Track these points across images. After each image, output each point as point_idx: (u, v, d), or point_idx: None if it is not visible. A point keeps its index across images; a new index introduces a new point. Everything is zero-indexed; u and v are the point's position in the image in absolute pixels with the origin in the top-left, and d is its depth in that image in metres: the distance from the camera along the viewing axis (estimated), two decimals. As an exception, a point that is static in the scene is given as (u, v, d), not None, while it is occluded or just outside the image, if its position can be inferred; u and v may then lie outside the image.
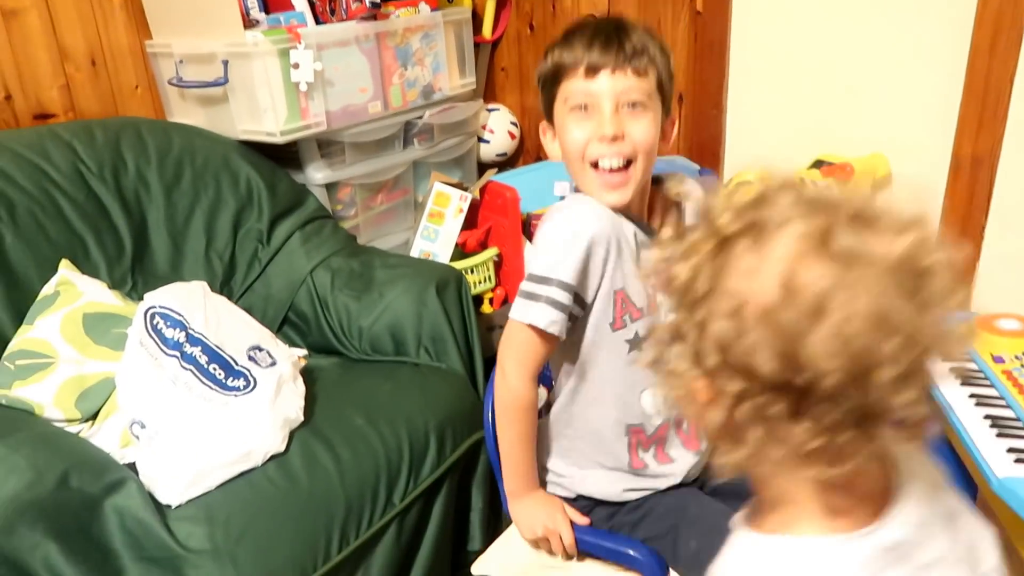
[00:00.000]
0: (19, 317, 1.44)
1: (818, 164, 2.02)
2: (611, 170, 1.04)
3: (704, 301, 0.53)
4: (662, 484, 1.16)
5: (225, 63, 1.78)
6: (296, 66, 1.78)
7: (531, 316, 1.05)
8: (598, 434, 1.14)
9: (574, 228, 1.04)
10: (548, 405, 1.21)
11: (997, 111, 1.82)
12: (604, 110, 1.03)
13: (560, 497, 1.18)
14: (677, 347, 0.56)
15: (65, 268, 1.53)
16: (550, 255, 1.05)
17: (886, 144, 2.01)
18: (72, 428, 1.35)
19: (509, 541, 1.22)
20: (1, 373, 1.35)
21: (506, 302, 2.19)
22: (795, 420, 0.51)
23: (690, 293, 0.54)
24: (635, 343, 1.11)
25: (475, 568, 1.25)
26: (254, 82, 1.77)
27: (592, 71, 1.04)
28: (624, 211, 1.08)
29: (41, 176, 1.58)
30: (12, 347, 1.39)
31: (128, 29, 1.90)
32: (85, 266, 1.57)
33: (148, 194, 1.72)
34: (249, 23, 1.82)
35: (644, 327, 1.09)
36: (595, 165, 1.05)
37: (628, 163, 1.05)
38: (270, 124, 1.80)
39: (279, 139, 1.80)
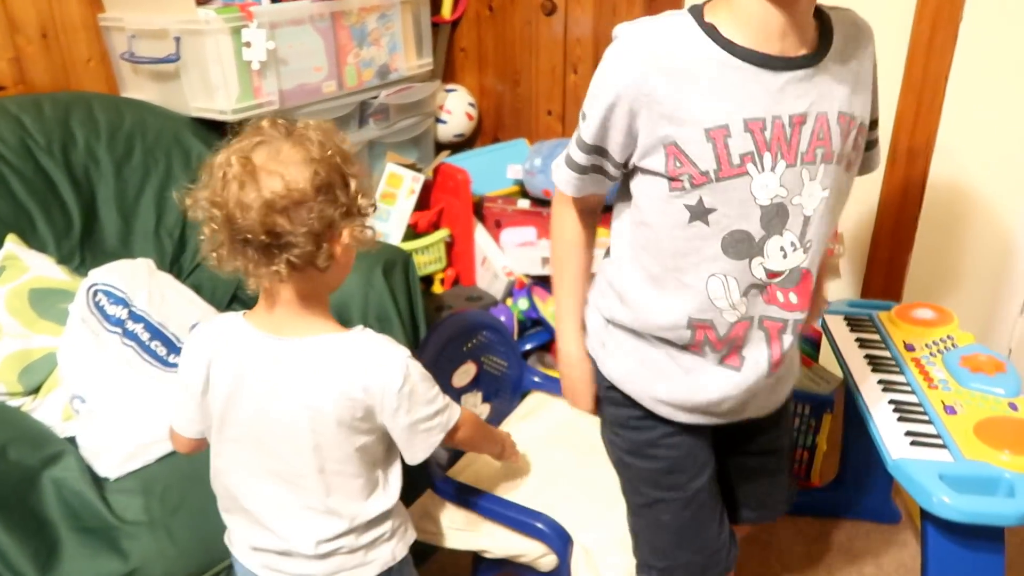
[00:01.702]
0: (-36, 291, 1.46)
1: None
2: None
3: None
4: (713, 409, 1.03)
5: (177, 39, 1.78)
6: (248, 44, 1.79)
7: (555, 172, 1.05)
8: (648, 321, 0.99)
9: (601, 78, 0.93)
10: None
11: (933, 105, 1.88)
12: None
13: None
14: None
15: (11, 242, 1.54)
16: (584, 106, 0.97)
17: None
18: (14, 402, 1.37)
19: (426, 506, 1.29)
20: (-56, 346, 1.38)
21: (456, 283, 2.23)
22: None
23: None
24: (698, 212, 0.90)
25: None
26: (206, 59, 1.78)
27: None
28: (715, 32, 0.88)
29: (-12, 150, 1.59)
30: (-44, 320, 1.41)
31: (80, 1, 1.89)
32: (32, 241, 1.59)
33: (98, 169, 1.73)
34: (202, 0, 1.82)
35: (711, 194, 0.89)
36: None
37: None
38: (222, 102, 1.81)
39: (231, 117, 1.82)
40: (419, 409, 0.97)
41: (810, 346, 1.91)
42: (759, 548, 1.70)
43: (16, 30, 1.81)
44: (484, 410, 1.41)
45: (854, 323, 1.56)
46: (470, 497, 1.25)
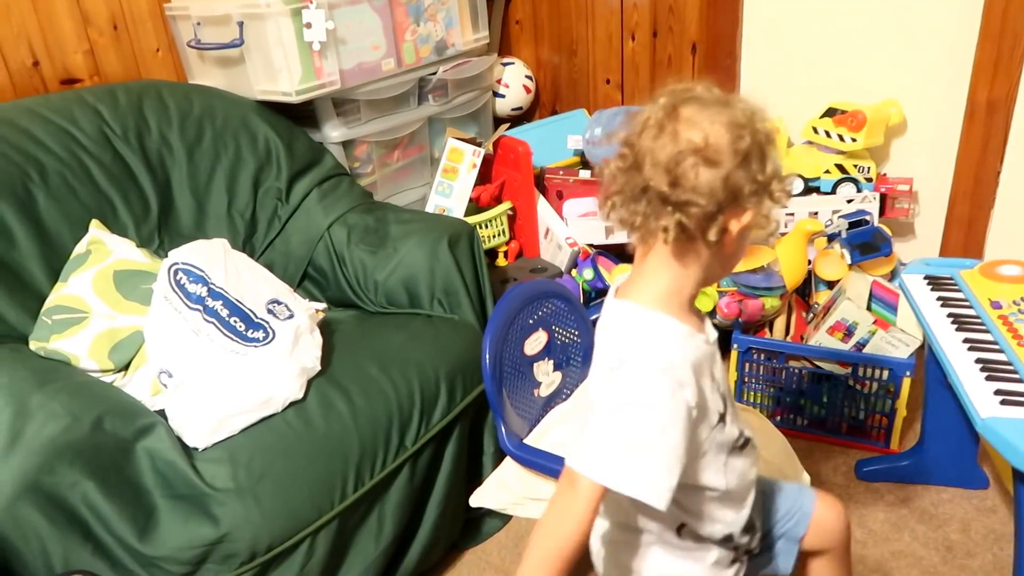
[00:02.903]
0: (54, 275, 1.53)
1: (830, 112, 2.01)
2: None
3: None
4: None
5: (240, 24, 1.82)
6: (308, 25, 1.81)
7: None
8: None
9: None
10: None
11: (1014, 55, 1.80)
12: None
13: None
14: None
15: (95, 228, 1.60)
16: None
17: (899, 90, 2.00)
18: (106, 378, 1.44)
19: (502, 475, 1.30)
20: (39, 328, 1.45)
21: (520, 255, 2.24)
22: None
23: None
24: None
25: (472, 500, 1.33)
26: (268, 42, 1.81)
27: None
28: None
29: (70, 140, 1.65)
30: (48, 303, 1.48)
31: (147, -7, 1.95)
32: (114, 226, 1.65)
33: (171, 155, 1.79)
34: (262, -16, 1.85)
35: None
36: None
37: None
38: (285, 84, 1.85)
39: (294, 98, 1.85)
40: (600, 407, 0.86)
41: (887, 308, 1.85)
42: (837, 514, 1.67)
43: (89, 23, 1.88)
44: (556, 378, 1.41)
45: (935, 282, 1.50)
46: (545, 462, 1.25)
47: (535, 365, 1.37)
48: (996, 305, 1.38)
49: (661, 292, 0.86)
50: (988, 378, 1.20)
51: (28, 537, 1.12)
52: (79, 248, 1.57)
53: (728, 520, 0.94)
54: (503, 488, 1.29)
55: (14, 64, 1.79)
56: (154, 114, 1.78)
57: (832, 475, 1.78)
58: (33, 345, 1.42)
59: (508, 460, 1.29)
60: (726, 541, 0.94)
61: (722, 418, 0.89)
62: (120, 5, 1.92)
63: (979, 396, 1.17)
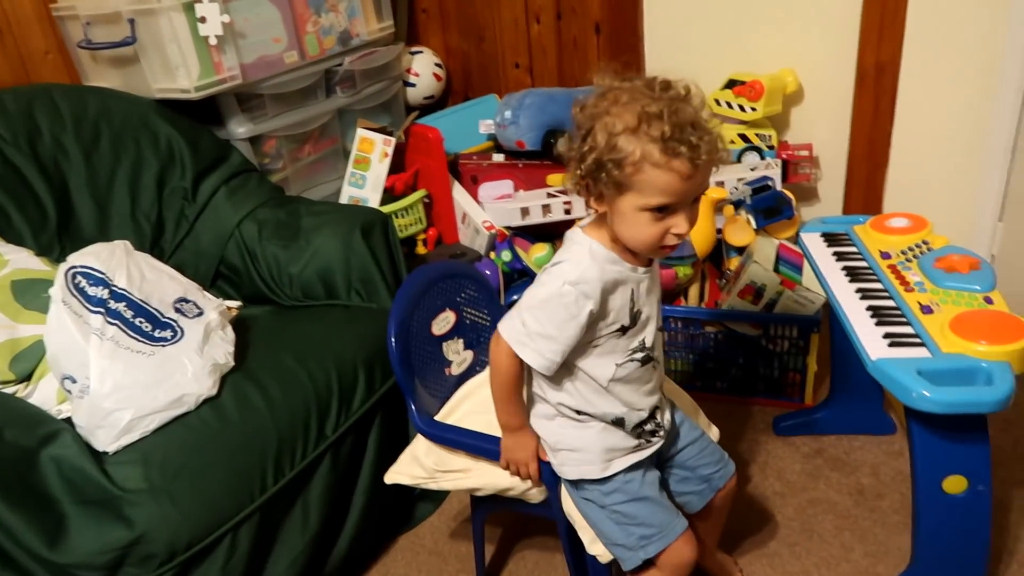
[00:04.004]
0: (-54, 288, 1.47)
1: (731, 84, 2.07)
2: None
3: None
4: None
5: (131, 21, 1.78)
6: (203, 20, 1.78)
7: None
8: None
9: None
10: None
11: (896, 18, 1.88)
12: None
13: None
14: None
15: (-12, 238, 1.55)
16: None
17: (795, 59, 2.07)
18: (8, 390, 1.39)
19: (414, 451, 1.31)
20: (-68, 343, 1.39)
21: (439, 242, 2.24)
22: None
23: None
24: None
25: (386, 478, 1.34)
26: (162, 39, 1.77)
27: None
28: None
29: (-46, 149, 1.58)
30: (-59, 317, 1.42)
31: (31, -7, 1.88)
32: (9, 234, 1.60)
33: (67, 159, 1.73)
34: (152, -21, 1.81)
35: None
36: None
37: None
38: (183, 81, 1.81)
39: (194, 95, 1.81)
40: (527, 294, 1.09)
41: (792, 269, 1.92)
42: (757, 468, 1.73)
43: (-32, 27, 1.80)
44: (467, 356, 1.42)
45: (830, 238, 1.57)
46: (454, 437, 1.27)
47: (444, 344, 1.37)
48: (885, 255, 1.44)
49: (597, 223, 1.07)
50: (878, 323, 1.26)
51: (-74, 556, 1.08)
52: (-28, 260, 1.51)
53: (617, 410, 1.14)
54: (415, 464, 1.30)
55: None
56: (46, 118, 1.72)
57: (752, 433, 1.85)
58: (-75, 361, 1.37)
59: (419, 437, 1.30)
60: (617, 423, 1.15)
61: (623, 330, 1.09)
62: (2, 8, 1.85)
63: (869, 340, 1.23)
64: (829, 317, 1.74)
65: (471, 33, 2.52)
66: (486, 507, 1.42)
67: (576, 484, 1.19)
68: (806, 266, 1.88)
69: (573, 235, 1.09)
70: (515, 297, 1.87)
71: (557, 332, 1.05)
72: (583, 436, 1.15)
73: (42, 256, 1.57)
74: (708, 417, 1.42)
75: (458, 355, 1.40)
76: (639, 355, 1.12)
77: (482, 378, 1.36)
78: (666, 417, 1.23)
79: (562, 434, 1.17)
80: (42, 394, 1.39)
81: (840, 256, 1.50)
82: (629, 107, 0.94)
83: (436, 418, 1.31)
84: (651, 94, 0.95)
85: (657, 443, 1.20)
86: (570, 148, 1.01)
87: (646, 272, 1.09)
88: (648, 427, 1.18)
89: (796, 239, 2.02)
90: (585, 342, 1.08)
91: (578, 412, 1.15)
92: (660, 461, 1.25)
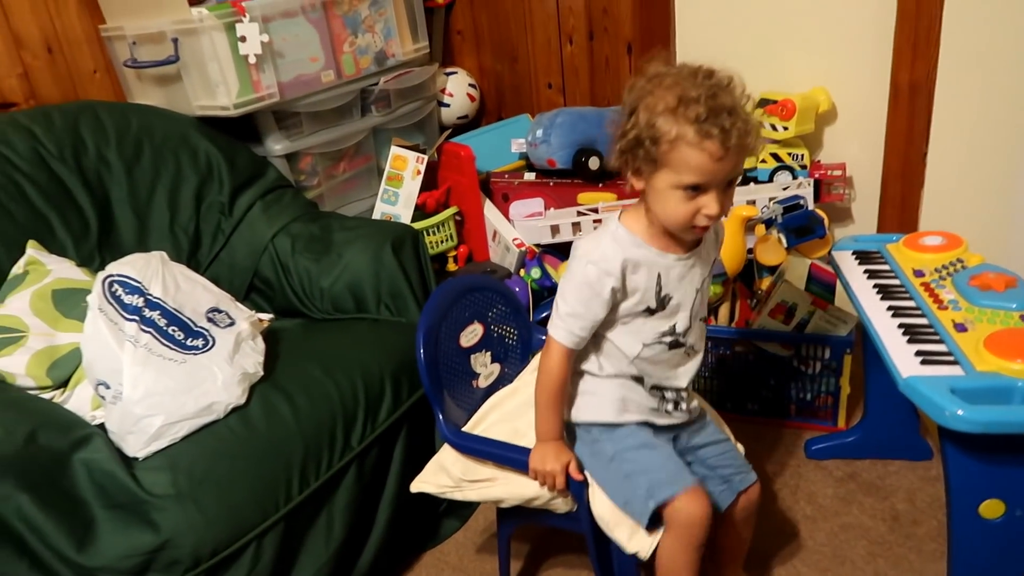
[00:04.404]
0: (-10, 297, 1.52)
1: (762, 103, 2.06)
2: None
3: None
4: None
5: (175, 41, 1.83)
6: (243, 39, 1.83)
7: None
8: None
9: None
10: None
11: (930, 36, 1.86)
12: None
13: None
14: None
15: (32, 248, 1.60)
16: None
17: (827, 78, 2.06)
18: (45, 395, 1.43)
19: (441, 460, 1.31)
20: (-25, 348, 1.43)
21: (470, 259, 2.26)
22: None
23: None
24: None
25: (412, 486, 1.34)
26: (204, 57, 1.82)
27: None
28: None
29: (2, 161, 1.65)
30: (-15, 324, 1.47)
31: (81, 14, 1.96)
32: (52, 245, 1.64)
33: (109, 173, 1.79)
34: (195, 0, 1.87)
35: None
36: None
37: None
38: (223, 98, 1.86)
39: (233, 112, 1.86)
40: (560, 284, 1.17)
41: (824, 289, 1.89)
42: (788, 492, 1.70)
43: (22, 46, 1.88)
44: (494, 370, 1.43)
45: (862, 256, 1.54)
46: (481, 447, 1.27)
47: (472, 357, 1.38)
48: (919, 273, 1.42)
49: (632, 210, 1.15)
50: (910, 340, 1.24)
51: (-40, 553, 1.11)
52: (16, 269, 1.56)
53: (638, 373, 1.21)
54: (442, 473, 1.30)
55: (-55, 90, 1.79)
56: (90, 133, 1.78)
57: (783, 455, 1.81)
58: (-33, 365, 1.41)
59: (446, 446, 1.30)
60: (636, 379, 1.21)
61: (650, 311, 1.16)
62: (54, 28, 1.92)
63: (901, 357, 1.20)
64: (863, 338, 1.71)
65: (505, 54, 2.55)
66: (512, 521, 1.41)
67: (589, 431, 1.23)
68: (839, 286, 1.85)
69: (607, 220, 1.18)
70: (544, 314, 1.87)
71: (584, 309, 1.13)
72: (602, 384, 1.22)
73: (83, 267, 1.62)
74: (737, 439, 1.40)
75: (485, 368, 1.41)
76: (668, 339, 1.19)
77: (509, 390, 1.36)
78: (693, 404, 1.28)
79: (583, 385, 1.23)
80: (78, 400, 1.42)
81: (872, 274, 1.47)
82: (672, 90, 1.01)
83: (464, 429, 1.31)
84: (694, 80, 1.02)
85: (678, 417, 1.25)
86: (616, 126, 1.09)
87: (679, 260, 1.15)
88: (668, 394, 1.23)
89: (828, 259, 2.00)
90: (612, 319, 1.16)
91: (599, 369, 1.21)
92: (682, 451, 1.27)
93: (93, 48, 2.00)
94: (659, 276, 1.14)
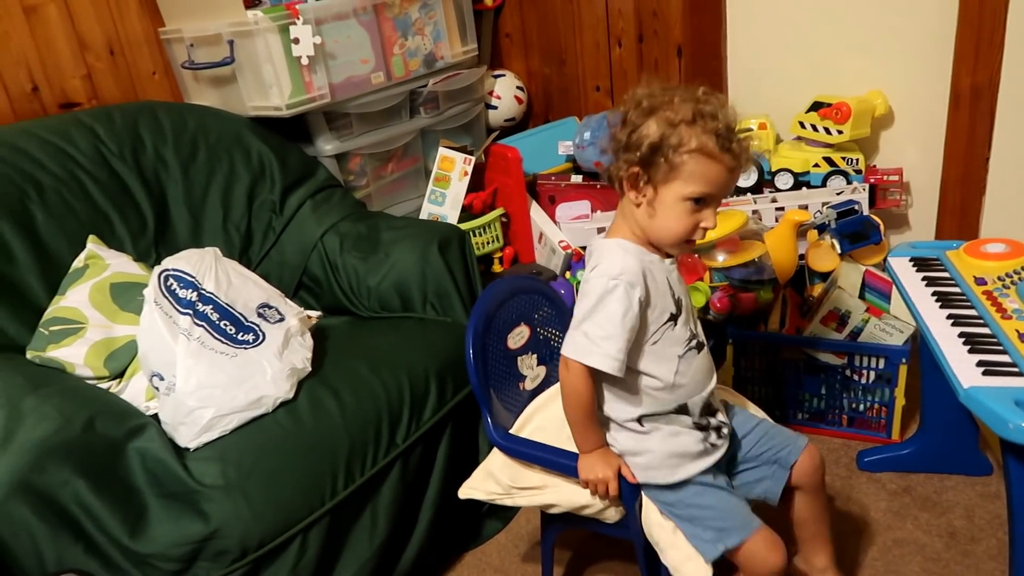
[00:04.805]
0: (52, 289, 1.56)
1: (816, 106, 2.03)
2: None
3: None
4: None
5: (230, 43, 1.87)
6: (296, 41, 1.86)
7: None
8: None
9: None
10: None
11: (993, 39, 1.81)
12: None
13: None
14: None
15: (92, 243, 1.64)
16: None
17: (884, 81, 2.01)
18: (102, 385, 1.46)
19: (490, 466, 1.30)
20: (36, 339, 1.48)
21: (515, 260, 2.26)
22: None
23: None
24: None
25: (461, 492, 1.33)
26: (258, 59, 1.86)
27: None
28: None
29: (66, 159, 1.70)
30: (47, 315, 1.52)
31: (142, 17, 2.01)
32: (111, 240, 1.69)
33: (166, 171, 1.83)
34: (251, 2, 1.90)
35: None
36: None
37: None
38: (276, 99, 1.89)
39: (285, 113, 1.89)
40: (577, 309, 1.14)
41: (879, 296, 1.84)
42: (839, 504, 1.65)
43: (86, 48, 1.94)
44: (540, 372, 1.42)
45: (920, 263, 1.50)
46: (532, 452, 1.26)
47: (519, 359, 1.38)
48: (980, 282, 1.37)
49: (616, 226, 1.16)
50: (971, 350, 1.20)
51: (20, 535, 1.14)
52: (77, 263, 1.60)
53: (682, 399, 1.18)
54: (490, 479, 1.29)
55: (14, 90, 1.85)
56: (149, 132, 1.83)
57: (834, 467, 1.77)
58: (29, 355, 1.45)
59: (495, 451, 1.29)
60: (681, 410, 1.18)
61: (673, 318, 1.15)
62: (116, 30, 1.98)
63: (962, 368, 1.16)
64: (919, 348, 1.66)
65: (553, 57, 2.55)
66: (557, 526, 1.40)
67: (647, 488, 1.20)
68: (894, 294, 1.80)
69: (596, 244, 1.17)
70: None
71: (618, 329, 1.09)
72: (647, 441, 1.18)
73: (140, 261, 1.66)
74: None
75: (532, 370, 1.40)
76: (694, 342, 1.18)
77: (553, 391, 1.35)
78: (723, 418, 1.25)
79: (629, 444, 1.20)
80: (133, 390, 1.46)
81: (931, 281, 1.43)
82: (685, 104, 1.05)
83: (511, 431, 1.31)
84: (700, 97, 1.06)
85: (722, 446, 1.22)
86: (618, 141, 1.09)
87: (672, 263, 1.17)
88: (713, 422, 1.21)
89: (884, 266, 1.95)
90: (642, 340, 1.13)
91: (641, 420, 1.18)
92: (727, 468, 1.25)
93: (152, 50, 2.05)
94: (667, 279, 1.15)
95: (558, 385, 1.40)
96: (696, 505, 1.17)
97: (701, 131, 1.04)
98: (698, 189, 1.06)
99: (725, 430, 1.23)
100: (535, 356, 1.42)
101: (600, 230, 2.12)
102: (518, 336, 1.38)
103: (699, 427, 1.19)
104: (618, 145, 1.09)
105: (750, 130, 2.03)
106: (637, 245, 1.13)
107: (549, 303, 1.45)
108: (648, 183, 1.08)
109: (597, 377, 1.15)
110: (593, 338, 1.10)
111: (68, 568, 1.15)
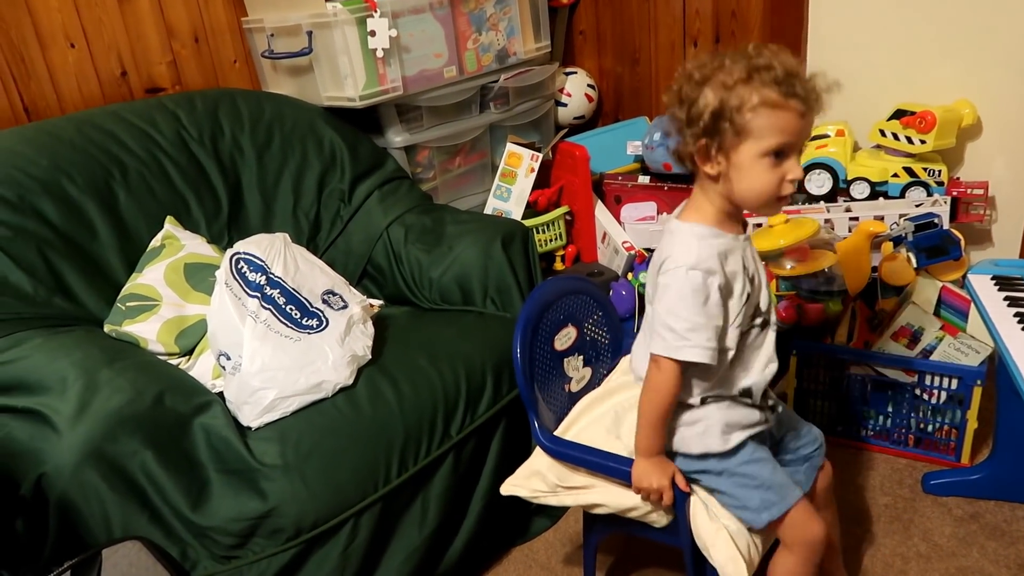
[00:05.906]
0: (130, 266, 1.63)
1: (898, 114, 1.95)
2: None
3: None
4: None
5: (309, 34, 1.92)
6: (372, 33, 1.89)
7: None
8: None
9: None
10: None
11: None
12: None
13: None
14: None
15: (170, 224, 1.71)
16: None
17: (973, 90, 1.92)
18: (172, 361, 1.52)
19: (534, 465, 1.30)
20: (114, 313, 1.54)
21: (577, 259, 2.25)
22: None
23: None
24: None
25: (503, 488, 1.33)
26: (335, 50, 1.90)
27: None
28: None
29: (150, 142, 1.76)
30: (124, 291, 1.58)
31: (226, 7, 2.08)
32: (187, 222, 1.75)
33: (242, 158, 1.89)
34: (330, -5, 1.94)
35: None
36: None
37: None
38: (350, 90, 1.93)
39: (358, 104, 1.93)
40: (658, 305, 1.10)
41: (956, 314, 1.77)
42: (901, 526, 1.60)
43: (173, 36, 2.01)
44: (586, 373, 1.41)
45: (1003, 282, 1.43)
46: (579, 454, 1.25)
47: (565, 360, 1.37)
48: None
49: (691, 207, 1.13)
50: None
51: (90, 501, 1.19)
52: (154, 242, 1.67)
53: (748, 381, 1.17)
54: (536, 477, 1.29)
55: (104, 74, 1.93)
56: (228, 119, 1.89)
57: (897, 487, 1.71)
58: (107, 328, 1.52)
59: (539, 450, 1.29)
60: (745, 393, 1.17)
61: (750, 296, 1.12)
62: (201, 19, 2.05)
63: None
64: (996, 370, 1.59)
65: (626, 56, 2.53)
66: (601, 528, 1.39)
67: (694, 460, 1.19)
68: (972, 313, 1.73)
69: (671, 226, 1.14)
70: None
71: (705, 318, 1.07)
72: (699, 412, 1.17)
73: (213, 244, 1.71)
74: (848, 466, 1.36)
75: (577, 372, 1.40)
76: (759, 320, 1.16)
77: (598, 393, 1.34)
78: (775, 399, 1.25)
79: (683, 417, 1.19)
80: (201, 368, 1.51)
81: (1013, 301, 1.37)
82: (737, 64, 1.02)
83: (555, 433, 1.30)
84: (751, 53, 1.03)
85: (773, 419, 1.23)
86: (678, 119, 1.07)
87: (745, 239, 1.14)
88: (771, 400, 1.22)
89: (962, 283, 1.87)
90: (726, 325, 1.11)
91: (704, 400, 1.17)
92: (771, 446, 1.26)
93: (235, 39, 2.11)
94: (742, 258, 1.12)
95: (604, 386, 1.40)
96: (743, 474, 1.17)
97: (760, 85, 1.00)
98: (773, 141, 1.02)
99: (780, 408, 1.24)
100: (581, 358, 1.41)
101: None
102: (565, 337, 1.38)
103: (758, 407, 1.20)
104: (680, 124, 1.06)
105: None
106: (710, 227, 1.10)
107: (596, 304, 1.44)
108: (720, 151, 1.04)
109: (687, 370, 1.13)
110: (681, 332, 1.08)
111: (133, 535, 1.20)
